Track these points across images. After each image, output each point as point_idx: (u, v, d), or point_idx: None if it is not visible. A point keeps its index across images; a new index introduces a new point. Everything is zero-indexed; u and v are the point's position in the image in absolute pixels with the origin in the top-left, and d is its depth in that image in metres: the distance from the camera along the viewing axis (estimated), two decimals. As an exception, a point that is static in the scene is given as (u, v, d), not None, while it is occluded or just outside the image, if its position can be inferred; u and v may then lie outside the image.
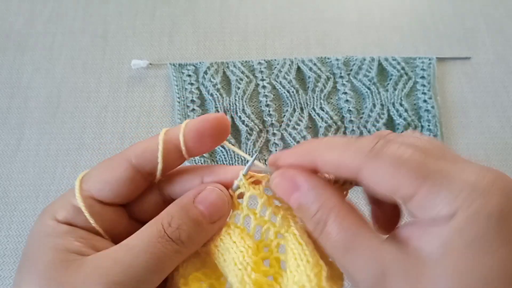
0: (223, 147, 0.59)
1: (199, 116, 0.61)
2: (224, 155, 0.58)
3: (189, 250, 0.26)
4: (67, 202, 0.26)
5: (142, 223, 0.28)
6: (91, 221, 0.26)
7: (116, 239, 0.26)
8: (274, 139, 0.60)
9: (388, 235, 0.23)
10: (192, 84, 0.64)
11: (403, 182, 0.21)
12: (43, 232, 0.25)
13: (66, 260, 0.23)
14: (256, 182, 0.27)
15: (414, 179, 0.21)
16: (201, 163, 0.58)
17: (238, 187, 0.27)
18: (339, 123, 0.61)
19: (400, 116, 0.62)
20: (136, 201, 0.28)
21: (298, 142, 0.60)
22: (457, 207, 0.19)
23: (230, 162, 0.59)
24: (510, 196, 0.19)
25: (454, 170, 0.21)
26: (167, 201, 0.29)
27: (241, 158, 0.59)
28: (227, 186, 0.27)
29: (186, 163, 0.59)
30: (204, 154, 0.59)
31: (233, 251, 0.25)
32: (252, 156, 0.27)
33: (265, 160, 0.60)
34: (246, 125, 0.60)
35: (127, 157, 0.27)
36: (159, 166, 0.26)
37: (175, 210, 0.25)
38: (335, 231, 0.22)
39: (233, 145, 0.59)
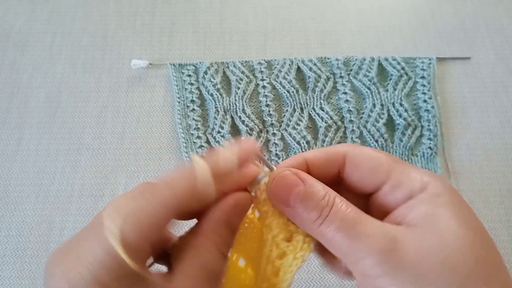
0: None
1: (199, 116, 0.61)
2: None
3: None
4: (93, 256, 0.20)
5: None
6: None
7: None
8: (274, 139, 0.60)
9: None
10: (192, 84, 0.64)
11: (379, 167, 0.25)
12: None
13: None
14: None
15: (387, 165, 0.25)
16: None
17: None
18: (339, 123, 0.61)
19: (400, 116, 0.62)
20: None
21: (298, 142, 0.60)
22: (426, 181, 0.24)
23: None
24: (455, 188, 0.25)
25: (411, 166, 0.26)
26: (188, 212, 0.27)
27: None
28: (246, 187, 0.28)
29: (184, 155, 0.58)
30: (204, 155, 0.58)
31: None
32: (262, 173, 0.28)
33: (265, 160, 0.59)
34: (246, 125, 0.60)
35: (165, 200, 0.23)
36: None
37: (223, 229, 0.25)
38: (344, 207, 0.24)
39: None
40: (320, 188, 0.25)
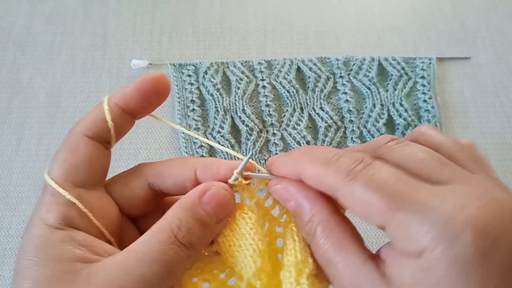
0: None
1: (199, 116, 0.61)
2: (224, 155, 0.58)
3: (199, 253, 0.25)
4: (49, 203, 0.24)
5: (131, 217, 0.27)
6: (82, 207, 0.24)
7: (112, 235, 0.26)
8: (274, 139, 0.60)
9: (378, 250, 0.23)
10: (192, 84, 0.64)
11: (374, 212, 0.20)
12: (35, 244, 0.23)
13: (70, 272, 0.22)
14: (246, 178, 0.27)
15: (384, 210, 0.20)
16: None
17: (233, 185, 0.27)
18: (339, 123, 0.61)
19: (400, 116, 0.62)
20: (124, 193, 0.27)
21: (298, 142, 0.60)
22: (425, 246, 0.19)
23: (230, 158, 0.59)
24: (484, 234, 0.18)
25: (432, 200, 0.19)
26: (158, 194, 0.28)
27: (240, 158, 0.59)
28: (222, 181, 0.27)
29: (184, 155, 0.59)
30: (203, 155, 0.59)
31: (250, 238, 0.25)
32: (246, 155, 0.27)
33: (265, 161, 0.60)
34: (246, 125, 0.60)
35: (80, 132, 0.26)
36: (112, 130, 0.26)
37: (182, 212, 0.24)
38: (321, 243, 0.23)
39: (232, 145, 0.59)
40: (304, 212, 0.24)
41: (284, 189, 0.25)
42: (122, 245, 0.25)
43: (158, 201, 0.29)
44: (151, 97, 0.27)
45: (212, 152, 0.59)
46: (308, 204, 0.24)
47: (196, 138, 0.60)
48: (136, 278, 0.22)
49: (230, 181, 0.27)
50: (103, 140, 0.27)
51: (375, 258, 0.22)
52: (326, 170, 0.23)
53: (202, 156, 0.58)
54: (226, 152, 0.58)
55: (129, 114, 0.27)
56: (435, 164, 0.21)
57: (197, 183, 0.27)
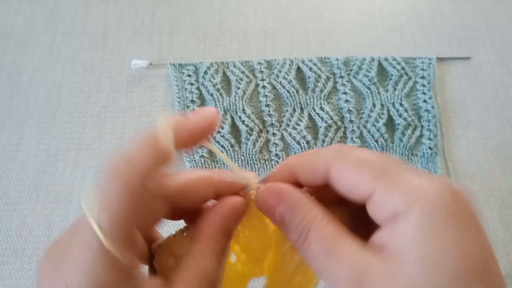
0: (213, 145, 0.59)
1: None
2: (224, 154, 0.58)
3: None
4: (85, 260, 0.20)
5: (144, 233, 0.26)
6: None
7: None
8: (274, 139, 0.60)
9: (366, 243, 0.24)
10: (192, 84, 0.64)
11: (363, 179, 0.22)
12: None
13: None
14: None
15: (373, 177, 0.22)
16: (201, 163, 0.58)
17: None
18: (339, 123, 0.61)
19: (400, 116, 0.62)
20: (148, 218, 0.26)
21: (298, 142, 0.60)
22: (413, 199, 0.21)
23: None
24: (458, 194, 0.21)
25: (410, 173, 0.22)
26: (177, 212, 0.28)
27: (240, 158, 0.59)
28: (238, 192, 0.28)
29: (186, 164, 0.58)
30: (203, 154, 0.59)
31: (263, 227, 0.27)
32: (245, 156, 0.27)
33: (265, 160, 0.60)
34: (246, 125, 0.60)
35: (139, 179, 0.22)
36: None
37: (221, 236, 0.25)
38: (316, 238, 0.23)
39: (232, 145, 0.59)
40: (297, 212, 0.24)
41: (275, 194, 0.25)
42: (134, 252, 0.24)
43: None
44: (198, 140, 0.25)
45: (211, 152, 0.59)
46: (300, 204, 0.25)
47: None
48: None
49: (243, 192, 0.27)
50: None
51: (368, 246, 0.23)
52: (317, 155, 0.25)
53: (202, 156, 0.59)
54: (227, 152, 0.58)
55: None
56: (395, 160, 0.24)
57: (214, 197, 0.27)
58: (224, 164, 0.59)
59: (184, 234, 0.26)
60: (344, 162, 0.24)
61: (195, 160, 0.58)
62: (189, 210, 0.28)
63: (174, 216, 0.27)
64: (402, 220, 0.21)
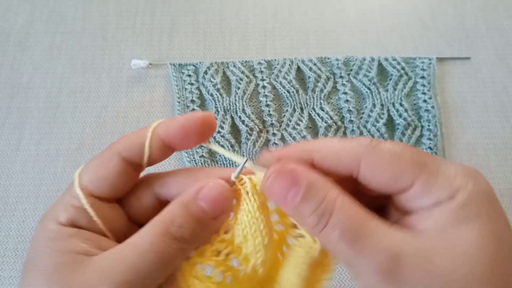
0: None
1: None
2: (224, 156, 0.58)
3: (193, 247, 0.26)
4: (68, 203, 0.26)
5: (141, 225, 0.28)
6: (96, 218, 0.26)
7: (118, 239, 0.27)
8: (274, 139, 0.60)
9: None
10: (192, 84, 0.64)
11: (403, 172, 0.22)
12: (47, 236, 0.25)
13: (74, 262, 0.24)
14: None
15: (412, 169, 0.22)
16: (201, 164, 0.58)
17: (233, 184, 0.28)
18: (339, 123, 0.61)
19: (400, 116, 0.62)
20: (132, 203, 0.29)
21: (298, 142, 0.60)
22: (456, 188, 0.21)
23: (231, 162, 0.59)
24: (486, 180, 0.23)
25: (443, 162, 0.23)
26: (164, 203, 0.28)
27: (240, 153, 0.59)
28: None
29: (187, 164, 0.59)
30: (204, 154, 0.59)
31: (262, 226, 0.26)
32: (243, 160, 0.27)
33: (265, 160, 0.60)
34: (246, 125, 0.60)
35: (117, 150, 0.27)
36: (145, 158, 0.27)
37: (177, 208, 0.25)
38: (342, 220, 0.22)
39: (232, 145, 0.59)
40: (320, 189, 0.23)
41: (287, 175, 0.23)
42: None
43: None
44: (194, 137, 0.27)
45: (211, 152, 0.59)
46: (319, 183, 0.23)
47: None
48: (129, 266, 0.23)
49: (232, 177, 0.27)
50: (136, 163, 0.28)
51: (396, 226, 0.23)
52: (346, 144, 0.24)
53: (202, 156, 0.58)
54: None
55: (168, 147, 0.28)
56: (422, 151, 0.24)
57: None
58: (224, 164, 0.59)
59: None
60: (379, 156, 0.23)
61: (195, 160, 0.58)
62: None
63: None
64: (445, 205, 0.21)
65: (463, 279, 0.19)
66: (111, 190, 0.27)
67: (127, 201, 0.29)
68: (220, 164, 0.59)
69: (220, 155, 0.59)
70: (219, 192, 0.26)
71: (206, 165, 0.59)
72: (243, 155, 0.59)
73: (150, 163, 0.28)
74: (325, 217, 0.22)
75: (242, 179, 0.27)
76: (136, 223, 0.29)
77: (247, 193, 0.26)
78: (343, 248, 0.22)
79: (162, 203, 0.28)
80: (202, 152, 0.59)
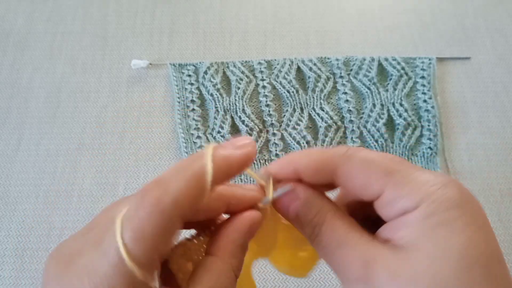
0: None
1: (199, 116, 0.61)
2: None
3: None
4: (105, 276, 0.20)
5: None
6: None
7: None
8: (274, 139, 0.60)
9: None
10: (192, 84, 0.64)
11: (372, 179, 0.23)
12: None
13: None
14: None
15: (381, 176, 0.23)
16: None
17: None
18: (339, 123, 0.61)
19: (400, 116, 0.62)
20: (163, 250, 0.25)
21: (298, 142, 0.60)
22: (421, 198, 0.21)
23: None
24: (462, 188, 0.22)
25: (415, 171, 0.23)
26: (188, 224, 0.27)
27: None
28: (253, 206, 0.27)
29: (184, 155, 0.58)
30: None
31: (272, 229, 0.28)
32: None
33: (265, 161, 0.60)
34: (246, 125, 0.60)
35: (178, 213, 0.21)
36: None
37: (238, 251, 0.25)
38: (329, 231, 0.24)
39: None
40: (311, 206, 0.26)
41: (290, 192, 0.26)
42: None
43: None
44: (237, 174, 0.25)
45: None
46: (314, 200, 0.26)
47: (197, 138, 0.60)
48: None
49: (261, 205, 0.27)
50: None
51: (377, 239, 0.23)
52: (323, 155, 0.25)
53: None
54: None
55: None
56: (399, 158, 0.25)
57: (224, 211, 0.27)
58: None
59: (201, 238, 0.26)
60: (352, 164, 0.24)
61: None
62: (201, 223, 0.28)
63: (185, 227, 0.27)
64: (410, 215, 0.22)
65: (429, 286, 0.20)
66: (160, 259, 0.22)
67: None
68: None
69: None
70: (257, 224, 0.27)
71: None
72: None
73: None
74: (317, 228, 0.25)
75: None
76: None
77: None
78: (329, 253, 0.24)
79: (186, 224, 0.26)
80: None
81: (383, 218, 0.24)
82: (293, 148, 0.60)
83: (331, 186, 0.27)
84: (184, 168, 0.21)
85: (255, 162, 0.59)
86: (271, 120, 0.61)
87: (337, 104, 0.64)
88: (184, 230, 0.26)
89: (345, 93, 0.63)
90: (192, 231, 0.27)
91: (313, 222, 0.25)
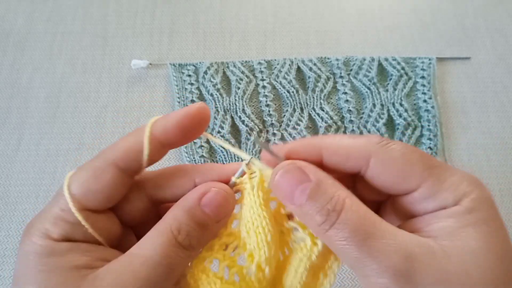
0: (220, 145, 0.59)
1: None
2: (224, 154, 0.58)
3: (198, 252, 0.26)
4: (58, 217, 0.24)
5: (133, 227, 0.27)
6: (92, 231, 0.24)
7: (112, 245, 0.26)
8: (274, 139, 0.60)
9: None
10: (192, 84, 0.64)
11: (412, 173, 0.23)
12: (40, 253, 0.23)
13: (77, 277, 0.22)
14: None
15: (421, 171, 0.23)
16: (201, 163, 0.58)
17: (234, 185, 0.27)
18: (339, 123, 0.61)
19: (400, 116, 0.62)
20: (125, 207, 0.27)
21: (298, 142, 0.60)
22: (462, 194, 0.22)
23: (230, 161, 0.59)
24: (487, 188, 0.23)
25: (450, 169, 0.23)
26: (157, 204, 0.28)
27: (240, 158, 0.59)
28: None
29: (186, 162, 0.58)
30: (203, 154, 0.59)
31: (267, 224, 0.26)
32: (247, 157, 0.27)
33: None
34: (246, 125, 0.60)
35: (111, 160, 0.25)
36: (145, 162, 0.26)
37: (182, 215, 0.25)
38: (352, 219, 0.21)
39: (232, 145, 0.59)
40: (329, 187, 0.23)
41: (298, 171, 0.23)
42: (121, 251, 0.25)
43: (156, 209, 0.29)
44: (190, 132, 0.27)
45: (212, 151, 0.59)
46: (330, 180, 0.23)
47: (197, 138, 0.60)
48: (142, 280, 0.22)
49: (233, 178, 0.27)
50: (131, 170, 0.26)
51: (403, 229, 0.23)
52: (356, 140, 0.24)
53: (202, 156, 0.58)
54: (227, 152, 0.58)
55: (166, 145, 0.27)
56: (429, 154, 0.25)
57: None
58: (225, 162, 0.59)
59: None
60: (389, 155, 0.23)
61: (195, 160, 0.58)
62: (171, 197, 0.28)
63: (157, 202, 0.28)
64: (451, 209, 0.22)
65: (476, 280, 0.20)
66: (106, 202, 0.26)
67: (118, 205, 0.27)
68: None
69: (220, 155, 0.59)
70: (223, 197, 0.26)
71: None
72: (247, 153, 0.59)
73: (148, 164, 0.27)
74: (333, 215, 0.22)
75: (253, 172, 0.26)
76: (127, 224, 0.28)
77: (252, 188, 0.26)
78: (350, 248, 0.21)
79: (154, 203, 0.28)
80: (202, 152, 0.59)
81: (415, 213, 0.23)
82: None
83: (346, 178, 0.25)
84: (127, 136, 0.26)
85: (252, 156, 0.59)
86: (271, 120, 0.61)
87: (337, 104, 0.64)
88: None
89: (345, 93, 0.63)
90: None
91: (327, 208, 0.22)
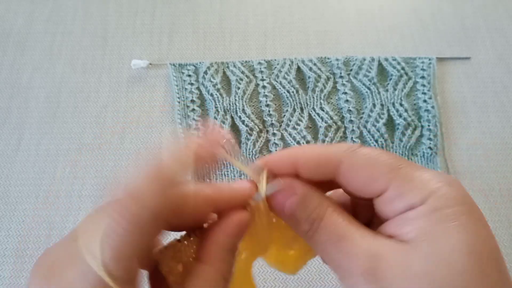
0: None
1: (199, 116, 0.61)
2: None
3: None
4: (83, 279, 0.20)
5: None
6: None
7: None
8: (274, 139, 0.60)
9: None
10: (192, 84, 0.64)
11: (377, 175, 0.23)
12: None
13: None
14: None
15: (386, 172, 0.23)
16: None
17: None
18: (339, 123, 0.61)
19: (400, 116, 0.62)
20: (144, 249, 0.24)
21: (298, 142, 0.60)
22: (427, 193, 0.22)
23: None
24: (464, 188, 0.23)
25: (419, 169, 0.23)
26: (174, 226, 0.26)
27: (240, 158, 0.59)
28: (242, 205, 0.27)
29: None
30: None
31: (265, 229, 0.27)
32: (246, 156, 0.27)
33: (265, 160, 0.60)
34: (246, 125, 0.60)
35: (154, 214, 0.21)
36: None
37: (226, 256, 0.25)
38: (329, 225, 0.24)
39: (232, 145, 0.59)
40: (311, 200, 0.25)
41: (288, 186, 0.26)
42: None
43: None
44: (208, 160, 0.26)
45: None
46: (314, 194, 0.25)
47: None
48: None
49: (253, 202, 0.27)
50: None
51: (380, 233, 0.23)
52: (327, 148, 0.25)
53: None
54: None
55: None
56: (400, 157, 0.25)
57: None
58: (227, 174, 0.59)
59: (191, 239, 0.25)
60: (356, 159, 0.24)
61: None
62: (188, 224, 0.27)
63: (172, 229, 0.26)
64: (416, 210, 0.22)
65: (444, 279, 0.20)
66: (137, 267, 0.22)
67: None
68: (225, 171, 0.59)
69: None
70: (245, 225, 0.26)
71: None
72: (243, 155, 0.59)
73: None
74: (315, 224, 0.24)
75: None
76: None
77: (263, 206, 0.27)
78: (329, 250, 0.23)
79: (171, 226, 0.26)
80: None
81: (384, 216, 0.24)
82: (293, 148, 0.60)
83: (327, 186, 0.26)
84: (142, 168, 0.21)
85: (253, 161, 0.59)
86: (271, 120, 0.61)
87: (337, 104, 0.64)
88: (174, 232, 0.26)
89: (345, 93, 0.63)
90: (182, 232, 0.26)
91: (311, 218, 0.24)
